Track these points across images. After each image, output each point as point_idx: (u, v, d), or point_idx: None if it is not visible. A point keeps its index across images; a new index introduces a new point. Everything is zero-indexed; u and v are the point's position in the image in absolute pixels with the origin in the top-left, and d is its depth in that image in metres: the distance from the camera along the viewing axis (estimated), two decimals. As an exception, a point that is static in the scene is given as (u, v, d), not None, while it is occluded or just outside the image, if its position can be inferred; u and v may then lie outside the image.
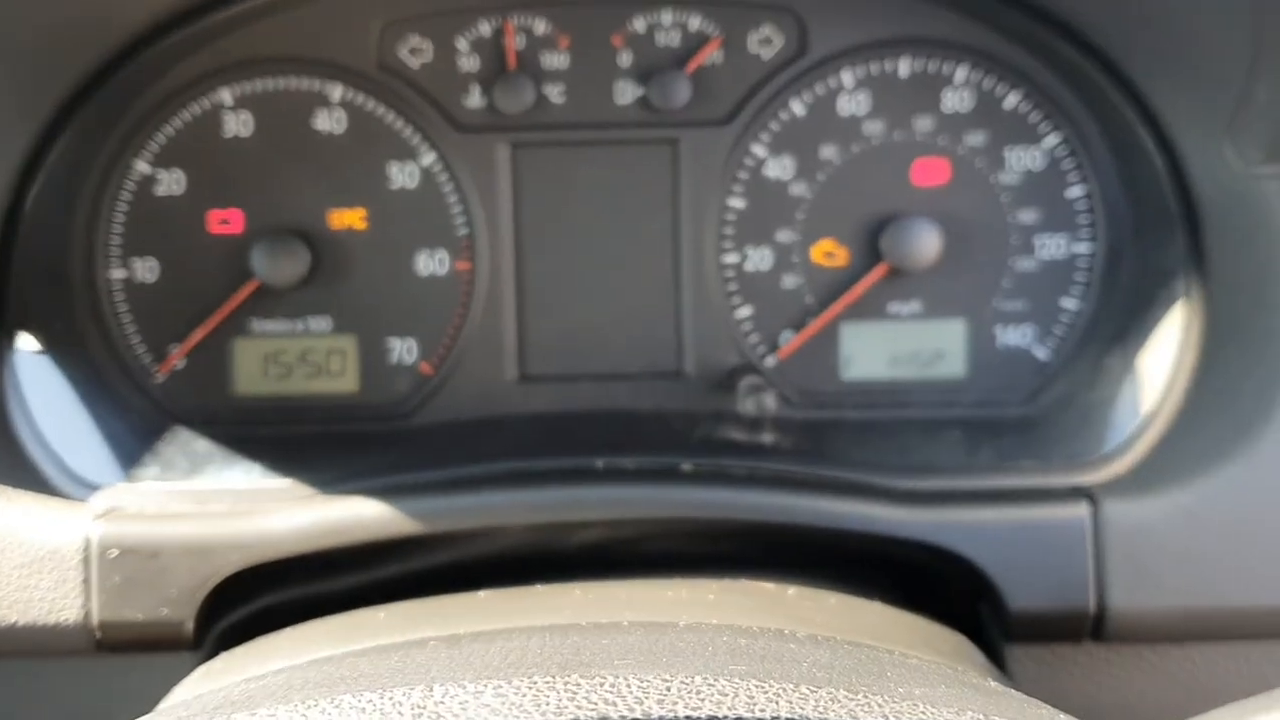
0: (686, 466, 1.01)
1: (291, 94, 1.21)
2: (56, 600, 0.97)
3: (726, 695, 0.47)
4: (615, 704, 0.47)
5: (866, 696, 0.49)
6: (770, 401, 1.12)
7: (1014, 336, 1.22)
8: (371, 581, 1.00)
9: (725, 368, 1.22)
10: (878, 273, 1.20)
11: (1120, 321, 1.17)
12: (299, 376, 1.23)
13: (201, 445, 1.15)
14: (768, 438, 1.11)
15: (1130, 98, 1.13)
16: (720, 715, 0.45)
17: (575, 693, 0.48)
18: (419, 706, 0.49)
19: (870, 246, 1.21)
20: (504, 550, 1.01)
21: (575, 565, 1.01)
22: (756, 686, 0.48)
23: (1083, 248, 1.21)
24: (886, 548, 0.98)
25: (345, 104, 1.21)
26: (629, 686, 0.48)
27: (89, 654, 0.99)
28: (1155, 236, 1.14)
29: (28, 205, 1.12)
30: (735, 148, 1.21)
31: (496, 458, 1.03)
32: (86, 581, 0.96)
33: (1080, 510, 0.95)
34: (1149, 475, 0.98)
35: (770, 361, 1.23)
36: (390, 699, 0.50)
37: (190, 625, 0.97)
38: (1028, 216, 1.21)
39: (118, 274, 1.22)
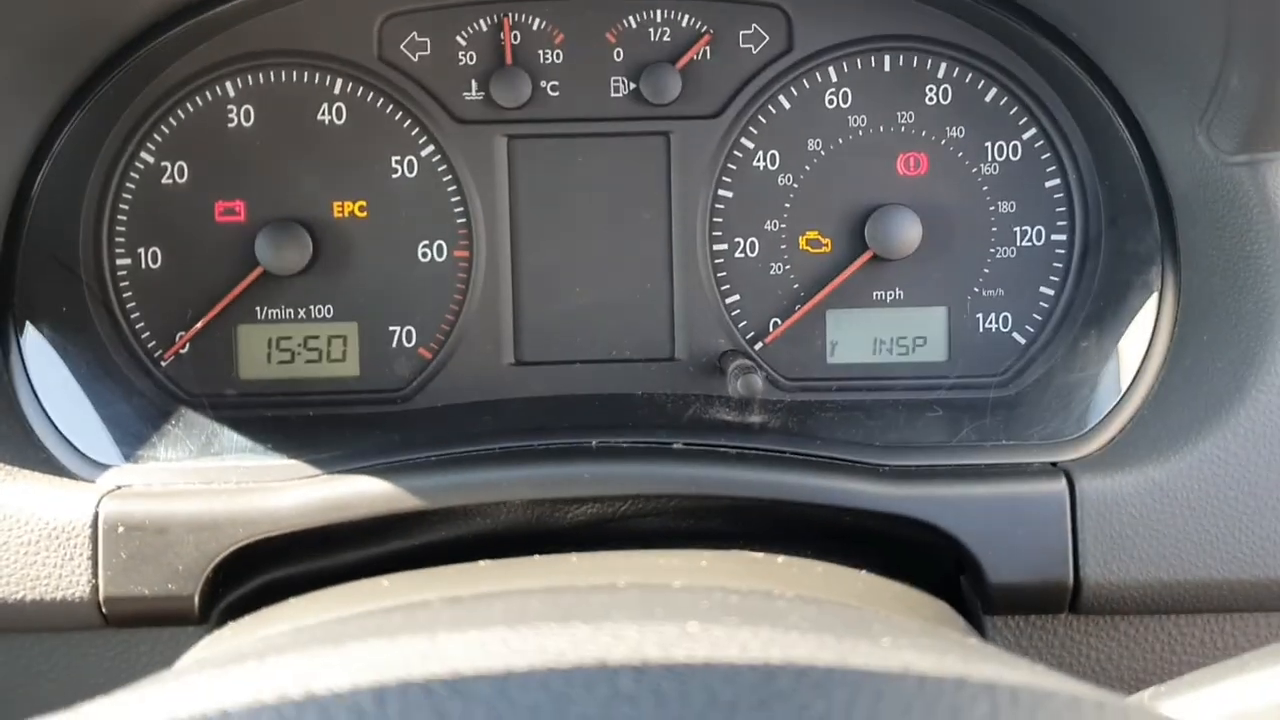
0: (678, 445, 1.04)
1: (293, 87, 1.24)
2: (65, 576, 0.99)
3: (720, 640, 0.50)
4: (614, 649, 0.50)
5: (854, 642, 0.52)
6: (758, 383, 1.15)
7: (994, 322, 1.26)
8: (373, 557, 1.03)
9: (715, 352, 1.26)
10: (862, 261, 1.24)
11: (1096, 306, 1.21)
12: (302, 361, 1.26)
13: (207, 427, 1.18)
14: (756, 418, 1.15)
15: (1106, 90, 1.17)
16: (714, 658, 0.48)
17: (576, 639, 0.51)
18: (425, 654, 0.52)
19: (855, 235, 1.25)
20: (501, 528, 1.04)
21: (570, 542, 1.04)
22: (750, 633, 0.51)
23: (1060, 236, 1.25)
24: (870, 523, 1.01)
25: (346, 97, 1.25)
26: (627, 633, 0.51)
27: (97, 628, 1.01)
28: (1130, 224, 1.18)
29: (35, 193, 1.15)
30: (724, 140, 1.25)
31: (493, 437, 1.06)
32: (94, 557, 0.99)
33: (1057, 486, 0.98)
34: (1123, 452, 1.02)
35: (759, 346, 1.27)
36: (397, 647, 0.53)
37: (196, 600, 0.99)
38: (1007, 206, 1.25)
39: (124, 261, 1.25)
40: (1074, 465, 1.00)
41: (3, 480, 1.01)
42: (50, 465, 1.05)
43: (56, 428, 1.10)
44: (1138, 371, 1.08)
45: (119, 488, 1.03)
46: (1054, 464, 1.01)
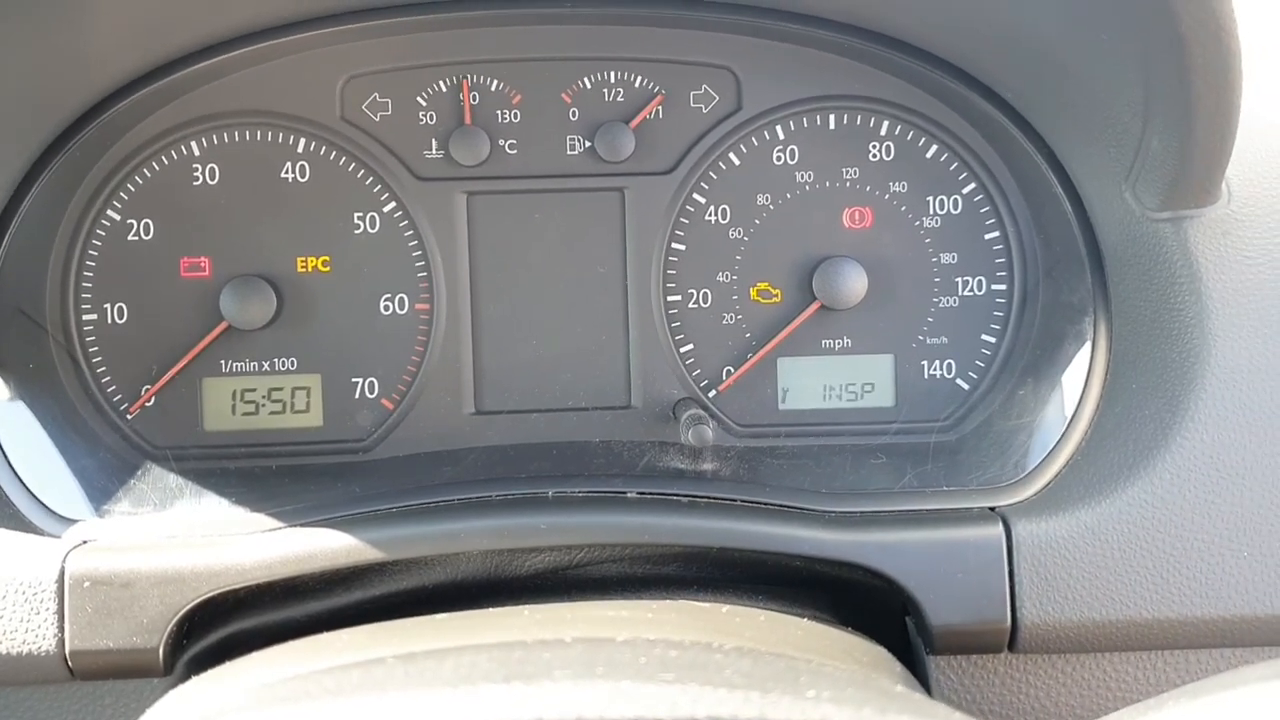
0: (632, 494, 1.07)
1: (258, 145, 1.28)
2: (31, 630, 1.01)
3: (650, 698, 0.54)
4: (552, 708, 0.53)
5: (777, 697, 0.55)
6: (708, 434, 1.19)
7: (938, 368, 1.31)
8: (335, 608, 1.05)
9: (670, 400, 1.29)
10: (810, 311, 1.29)
11: (1033, 355, 1.26)
12: (266, 413, 1.29)
13: (172, 480, 1.20)
14: (708, 465, 1.18)
15: (1039, 148, 1.22)
16: (644, 717, 0.52)
17: (518, 698, 0.55)
18: (377, 713, 0.55)
19: (804, 286, 1.29)
20: (460, 577, 1.07)
21: (528, 589, 1.07)
22: (679, 690, 0.55)
23: (1000, 286, 1.30)
24: (819, 568, 1.05)
25: (309, 155, 1.28)
26: (566, 691, 0.55)
27: (63, 681, 1.02)
28: (1065, 276, 1.23)
29: (2, 251, 1.17)
30: (677, 195, 1.29)
31: (453, 488, 1.09)
32: (60, 612, 1.00)
33: (994, 531, 1.02)
34: (1057, 497, 1.06)
35: (712, 394, 1.31)
36: (352, 706, 0.56)
37: (161, 652, 1.01)
38: (949, 258, 1.30)
39: (90, 316, 1.27)
40: (1010, 510, 1.04)
41: (-31, 536, 1.03)
42: (16, 520, 1.07)
43: (23, 483, 1.12)
44: (1071, 419, 1.13)
45: (85, 542, 1.04)
46: (992, 509, 1.05)
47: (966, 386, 1.31)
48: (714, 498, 1.08)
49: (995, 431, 1.23)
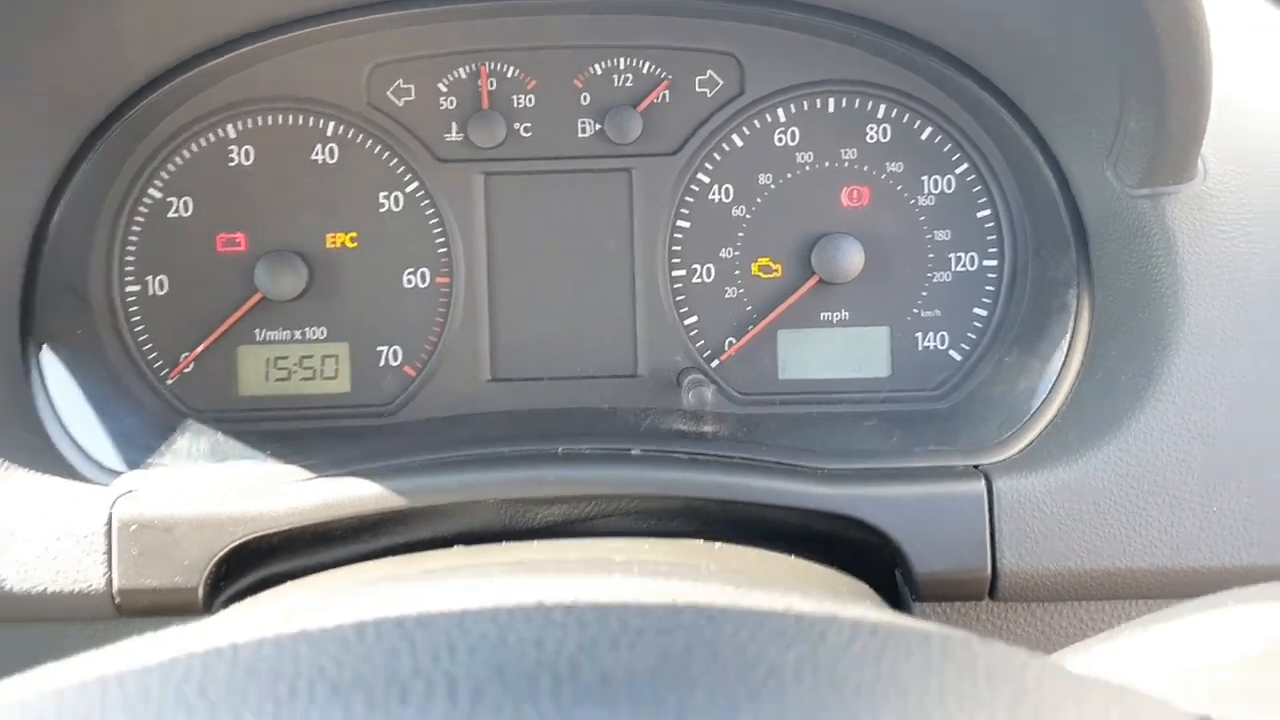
0: (636, 451, 1.15)
1: (290, 129, 1.36)
2: (81, 571, 1.09)
3: (637, 589, 0.61)
4: (551, 593, 0.60)
5: (749, 591, 0.62)
6: (708, 395, 1.26)
7: (932, 340, 1.37)
8: (360, 553, 1.13)
9: (674, 369, 1.36)
10: (809, 285, 1.36)
11: (1023, 327, 1.32)
12: (297, 379, 1.37)
13: (209, 438, 1.28)
14: (709, 428, 1.25)
15: (1028, 131, 1.28)
16: (630, 599, 0.58)
17: (520, 586, 0.62)
18: (397, 599, 0.62)
19: (803, 262, 1.36)
20: (476, 526, 1.15)
21: (539, 539, 1.15)
22: (663, 584, 0.62)
23: (992, 262, 1.37)
24: (812, 521, 1.12)
25: (338, 138, 1.36)
26: (563, 583, 0.62)
27: (110, 619, 1.11)
28: (1052, 251, 1.29)
29: (52, 230, 1.26)
30: (682, 176, 1.37)
31: (470, 445, 1.17)
32: (108, 554, 1.08)
33: (976, 486, 1.09)
34: (1038, 456, 1.13)
35: (715, 364, 1.38)
36: (373, 596, 0.63)
37: (200, 592, 1.09)
38: (943, 234, 1.37)
39: (133, 289, 1.36)
40: (992, 468, 1.11)
41: (26, 486, 1.12)
42: (69, 472, 1.16)
43: (74, 439, 1.21)
44: (1054, 385, 1.19)
45: (130, 492, 1.13)
46: (975, 467, 1.12)
47: (959, 357, 1.37)
48: (713, 455, 1.15)
49: (983, 398, 1.30)
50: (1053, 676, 0.51)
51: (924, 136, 1.37)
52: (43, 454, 1.18)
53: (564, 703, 0.48)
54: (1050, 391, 1.19)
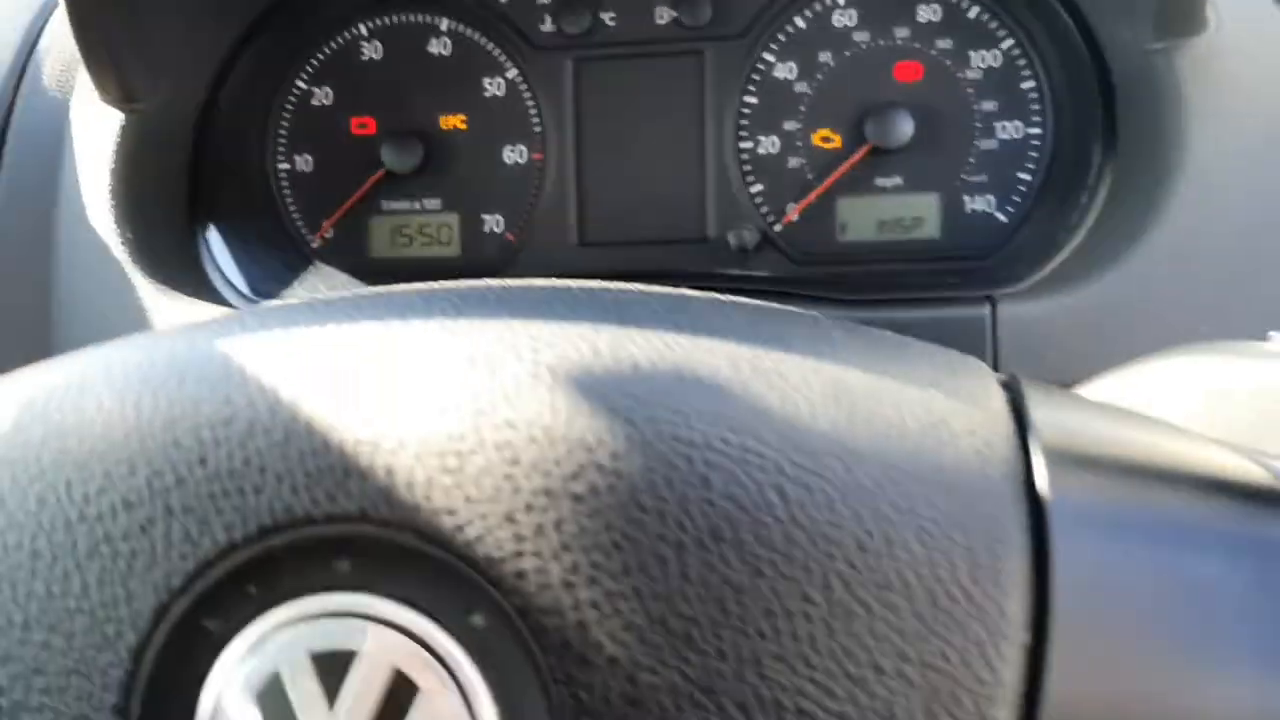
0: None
1: (410, 26, 1.58)
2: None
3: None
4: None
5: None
6: (748, 235, 1.42)
7: (979, 203, 1.49)
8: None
9: (739, 232, 1.53)
10: (863, 152, 1.49)
11: (1061, 188, 1.43)
12: (418, 244, 1.60)
13: (343, 283, 1.53)
14: (755, 270, 1.42)
15: (1065, 5, 1.38)
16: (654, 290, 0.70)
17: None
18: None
19: (858, 132, 1.50)
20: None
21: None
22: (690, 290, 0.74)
23: (1035, 130, 1.47)
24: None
25: (450, 32, 1.58)
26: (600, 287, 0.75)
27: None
28: (1085, 116, 1.39)
29: (221, 105, 1.52)
30: (749, 56, 1.52)
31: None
32: None
33: (982, 310, 1.22)
34: (1044, 288, 1.24)
35: (778, 228, 1.53)
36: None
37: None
38: (989, 105, 1.48)
39: (283, 166, 1.61)
40: (999, 295, 1.23)
41: (192, 314, 1.38)
42: (219, 300, 1.42)
43: (235, 286, 1.48)
44: (1070, 233, 1.30)
45: None
46: (984, 295, 1.24)
47: (1004, 219, 1.48)
48: (763, 289, 1.32)
49: (1014, 250, 1.41)
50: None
51: (972, 15, 1.48)
52: (205, 290, 1.44)
53: None
54: (1068, 238, 1.30)
